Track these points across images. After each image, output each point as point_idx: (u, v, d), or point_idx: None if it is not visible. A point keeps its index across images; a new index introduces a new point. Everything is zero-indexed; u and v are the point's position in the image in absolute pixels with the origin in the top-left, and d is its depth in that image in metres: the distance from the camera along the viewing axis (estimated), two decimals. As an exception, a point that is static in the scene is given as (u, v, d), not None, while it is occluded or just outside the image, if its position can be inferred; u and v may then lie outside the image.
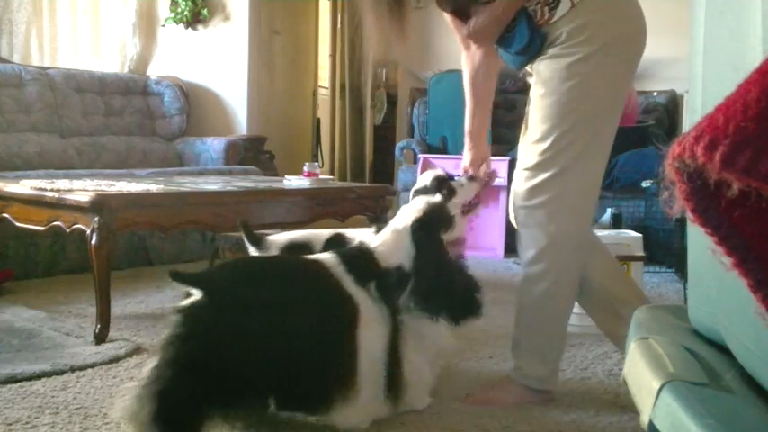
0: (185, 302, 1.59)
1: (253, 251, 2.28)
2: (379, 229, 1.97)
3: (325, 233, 2.33)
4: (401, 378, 1.80)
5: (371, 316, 1.73)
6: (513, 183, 2.03)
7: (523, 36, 1.93)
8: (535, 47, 1.93)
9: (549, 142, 1.90)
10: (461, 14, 2.04)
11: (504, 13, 1.94)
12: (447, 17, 2.10)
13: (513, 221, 2.07)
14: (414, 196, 2.15)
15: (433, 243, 1.84)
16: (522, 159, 2.01)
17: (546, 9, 1.91)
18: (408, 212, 1.89)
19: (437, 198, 1.98)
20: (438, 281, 1.80)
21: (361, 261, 1.79)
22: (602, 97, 1.93)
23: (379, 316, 1.75)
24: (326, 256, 1.80)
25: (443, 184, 2.21)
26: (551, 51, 1.92)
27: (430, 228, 1.85)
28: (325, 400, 1.66)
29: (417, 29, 6.28)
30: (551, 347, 1.98)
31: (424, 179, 2.27)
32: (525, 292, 1.97)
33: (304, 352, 1.63)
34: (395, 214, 2.00)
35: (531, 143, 1.95)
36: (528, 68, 2.05)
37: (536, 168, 1.92)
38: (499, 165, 4.67)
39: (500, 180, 4.63)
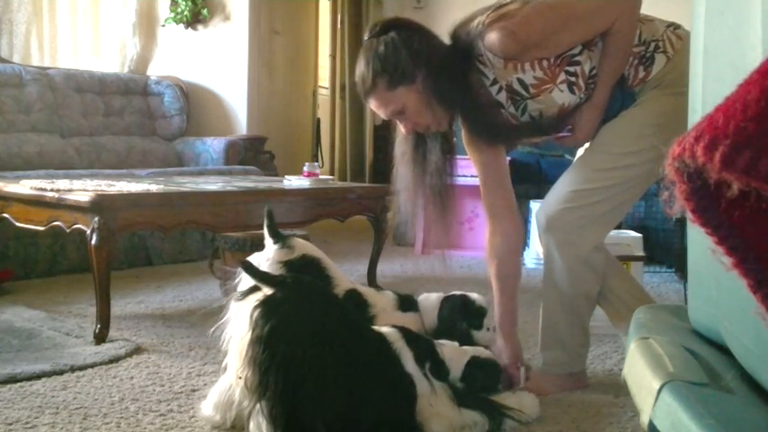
0: (253, 299, 1.55)
1: (270, 244, 2.16)
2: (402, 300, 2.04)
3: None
4: None
5: (425, 391, 1.70)
6: (556, 184, 2.07)
7: (617, 101, 1.97)
8: (624, 107, 1.97)
9: (613, 157, 1.96)
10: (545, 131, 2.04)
11: (606, 100, 1.95)
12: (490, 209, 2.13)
13: (535, 221, 2.08)
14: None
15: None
16: (579, 161, 2.06)
17: (641, 68, 1.95)
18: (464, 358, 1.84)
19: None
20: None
21: (422, 345, 1.77)
22: (675, 133, 1.95)
23: (432, 390, 1.71)
24: (389, 331, 1.77)
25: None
26: (648, 93, 1.96)
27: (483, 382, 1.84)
28: None
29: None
30: (572, 338, 2.07)
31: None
32: (546, 288, 2.07)
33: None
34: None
35: (597, 151, 2.00)
36: None
37: (590, 175, 1.98)
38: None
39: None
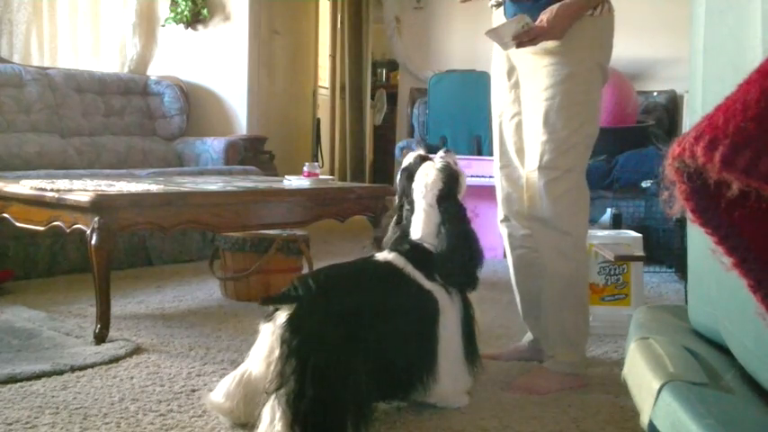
0: (282, 317, 1.63)
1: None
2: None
3: None
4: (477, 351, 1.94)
5: (446, 304, 1.86)
6: (528, 186, 2.10)
7: None
8: None
9: (556, 141, 2.02)
10: None
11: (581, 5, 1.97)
12: None
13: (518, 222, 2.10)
14: (401, 175, 2.14)
15: (456, 210, 1.92)
16: (528, 159, 2.09)
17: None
18: (425, 186, 1.94)
19: (440, 162, 1.98)
20: (464, 248, 1.90)
21: (420, 256, 1.89)
22: (596, 101, 2.06)
23: (451, 303, 1.88)
24: (393, 257, 1.89)
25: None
26: (558, 50, 1.99)
27: (450, 195, 1.93)
28: (418, 385, 1.81)
29: (417, 29, 6.29)
30: (578, 333, 2.13)
31: (408, 159, 2.24)
32: (550, 285, 2.11)
33: (403, 347, 1.79)
34: (394, 215, 2.01)
35: (541, 142, 2.04)
36: (515, 61, 2.09)
37: (547, 166, 2.04)
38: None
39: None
